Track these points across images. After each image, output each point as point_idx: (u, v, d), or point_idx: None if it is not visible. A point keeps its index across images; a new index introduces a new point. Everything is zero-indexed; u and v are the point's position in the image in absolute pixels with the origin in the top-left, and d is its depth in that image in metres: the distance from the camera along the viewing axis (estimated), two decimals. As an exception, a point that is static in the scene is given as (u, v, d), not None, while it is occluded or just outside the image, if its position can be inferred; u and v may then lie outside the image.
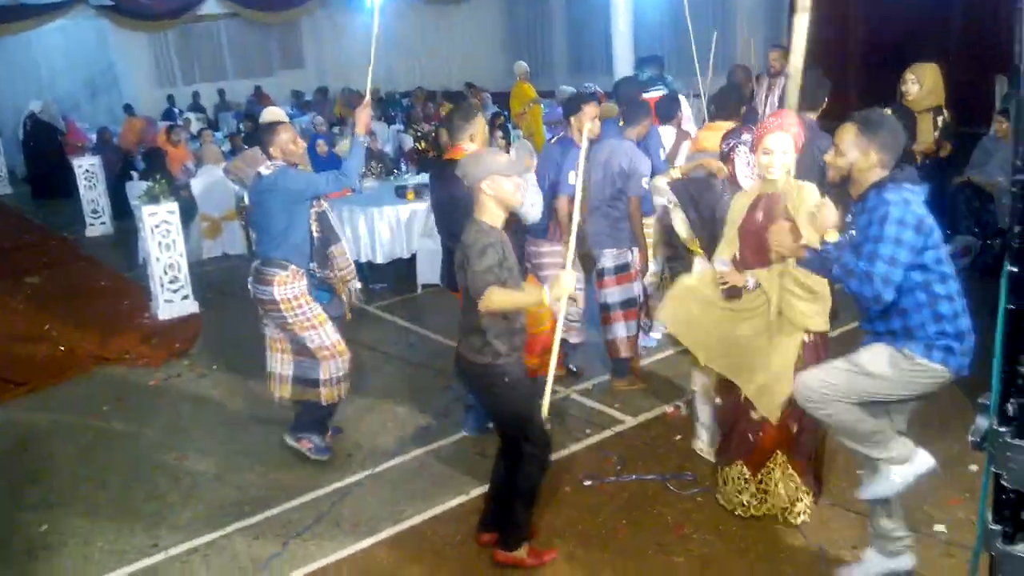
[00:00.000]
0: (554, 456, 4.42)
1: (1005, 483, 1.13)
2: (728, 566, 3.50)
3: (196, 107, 16.92)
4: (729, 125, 4.69)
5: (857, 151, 2.93)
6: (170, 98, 17.13)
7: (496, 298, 3.15)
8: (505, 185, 3.27)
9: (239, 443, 4.90)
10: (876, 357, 2.99)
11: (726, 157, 4.11)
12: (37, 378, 6.05)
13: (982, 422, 1.23)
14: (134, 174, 10.30)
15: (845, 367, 3.05)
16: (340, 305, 4.75)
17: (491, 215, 3.31)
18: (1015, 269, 1.11)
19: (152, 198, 7.15)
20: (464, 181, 3.33)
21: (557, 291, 3.20)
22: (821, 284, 3.48)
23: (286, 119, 6.04)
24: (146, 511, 4.27)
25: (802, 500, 3.74)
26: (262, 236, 4.43)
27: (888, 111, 3.64)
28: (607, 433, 4.71)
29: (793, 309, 3.49)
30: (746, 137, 3.97)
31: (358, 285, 4.92)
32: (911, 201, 2.85)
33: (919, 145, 5.76)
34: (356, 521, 4.01)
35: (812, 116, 4.93)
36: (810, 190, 3.49)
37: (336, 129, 11.96)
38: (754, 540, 3.64)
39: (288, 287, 4.29)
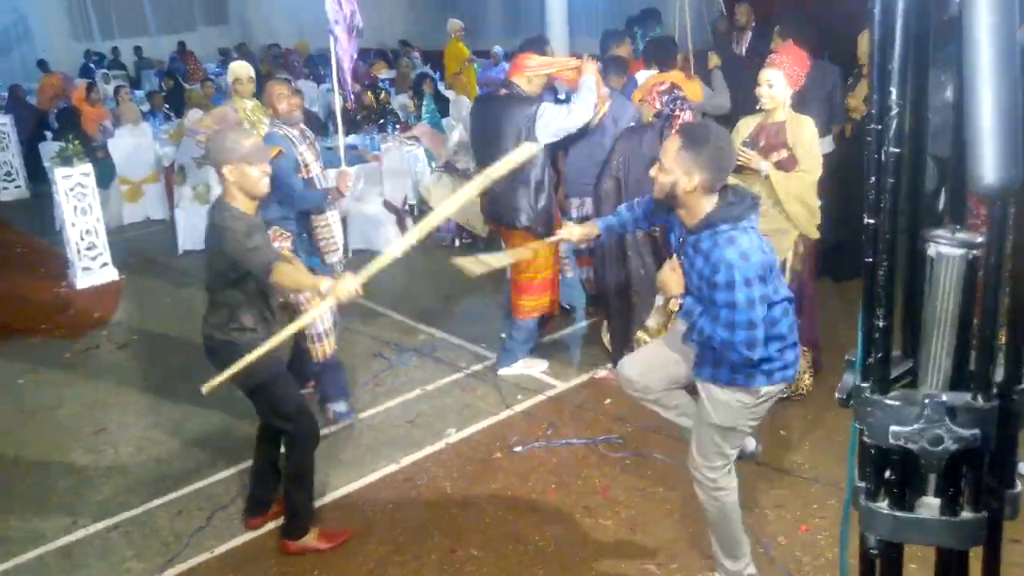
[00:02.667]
0: (486, 423, 4.47)
1: (866, 439, 1.15)
2: (654, 528, 3.55)
3: (116, 64, 16.21)
4: (677, 75, 4.81)
5: (680, 171, 2.63)
6: (87, 53, 16.37)
7: (286, 272, 3.02)
8: (250, 173, 3.08)
9: (159, 416, 4.76)
10: (718, 406, 2.85)
11: (669, 117, 4.33)
12: (-55, 350, 5.79)
13: (848, 379, 1.23)
14: (48, 134, 9.84)
15: (706, 433, 2.91)
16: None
17: (241, 201, 3.14)
18: (871, 221, 1.10)
19: (65, 159, 6.85)
20: (206, 159, 3.25)
21: (340, 289, 2.90)
22: (814, 199, 4.04)
23: (252, 73, 5.88)
24: (63, 487, 4.13)
25: (807, 377, 4.41)
26: None
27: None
28: (539, 398, 4.72)
29: (793, 209, 4.00)
30: (677, 91, 4.35)
31: (335, 259, 4.49)
32: (750, 253, 2.58)
33: (849, 105, 5.80)
34: (343, 465, 3.97)
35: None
36: (808, 124, 4.00)
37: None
38: (680, 502, 3.70)
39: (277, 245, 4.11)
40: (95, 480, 4.17)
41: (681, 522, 3.58)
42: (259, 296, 3.27)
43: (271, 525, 3.69)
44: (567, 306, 5.60)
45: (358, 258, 7.13)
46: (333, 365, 4.49)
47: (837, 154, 5.57)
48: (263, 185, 3.13)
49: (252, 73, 5.88)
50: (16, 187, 10.39)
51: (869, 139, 1.12)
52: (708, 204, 2.68)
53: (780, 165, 4.02)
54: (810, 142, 4.01)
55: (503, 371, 5.01)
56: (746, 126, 4.21)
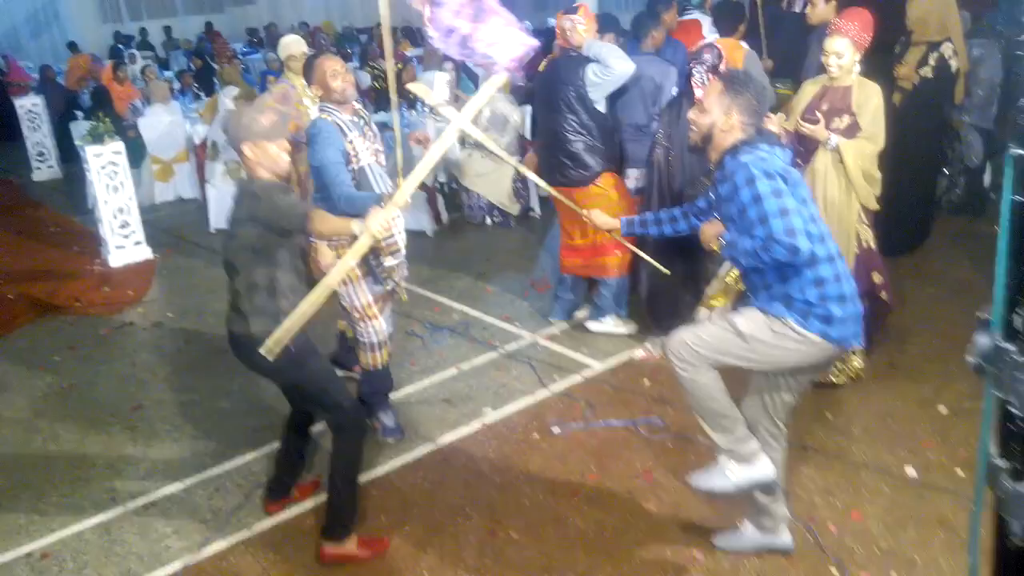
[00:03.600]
0: (522, 403, 4.41)
1: (1014, 410, 0.98)
2: (699, 513, 3.47)
3: (144, 44, 16.24)
4: (729, 42, 4.76)
5: (719, 110, 2.79)
6: (116, 35, 16.41)
7: (323, 217, 2.95)
8: (269, 150, 3.01)
9: (196, 393, 4.75)
10: (750, 320, 2.81)
11: (688, 75, 4.39)
12: (-18, 327, 5.82)
13: (983, 340, 1.04)
14: (78, 114, 9.86)
15: (719, 325, 2.87)
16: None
17: (265, 177, 3.06)
18: (1022, 151, 0.95)
19: (96, 138, 6.84)
20: (227, 139, 3.11)
21: (372, 224, 2.85)
22: (875, 167, 3.99)
23: (306, 48, 5.75)
24: (101, 463, 4.13)
25: (856, 360, 4.28)
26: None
27: None
28: (575, 379, 4.64)
29: (856, 179, 3.95)
30: (706, 57, 4.31)
31: (395, 261, 4.06)
32: (766, 157, 2.71)
33: (898, 73, 5.61)
34: (321, 470, 3.90)
35: None
36: (875, 91, 3.93)
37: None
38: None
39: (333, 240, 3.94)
40: (133, 457, 4.17)
41: (726, 507, 3.48)
42: (293, 272, 3.13)
43: (298, 509, 3.66)
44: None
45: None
46: (383, 375, 4.20)
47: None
48: (283, 161, 3.07)
49: (305, 48, 5.78)
50: (48, 167, 10.45)
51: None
52: (734, 139, 2.81)
53: (842, 132, 3.92)
54: (876, 110, 3.91)
55: (591, 325, 5.16)
56: (810, 90, 4.12)
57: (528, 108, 7.79)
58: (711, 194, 3.01)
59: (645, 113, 4.95)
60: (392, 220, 2.97)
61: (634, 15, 5.52)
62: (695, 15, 6.66)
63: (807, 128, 3.98)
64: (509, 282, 6.15)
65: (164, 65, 14.33)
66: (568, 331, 5.24)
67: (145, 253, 7.03)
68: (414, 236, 6.00)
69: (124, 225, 6.93)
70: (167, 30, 17.14)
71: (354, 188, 3.82)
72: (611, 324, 5.13)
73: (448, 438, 4.14)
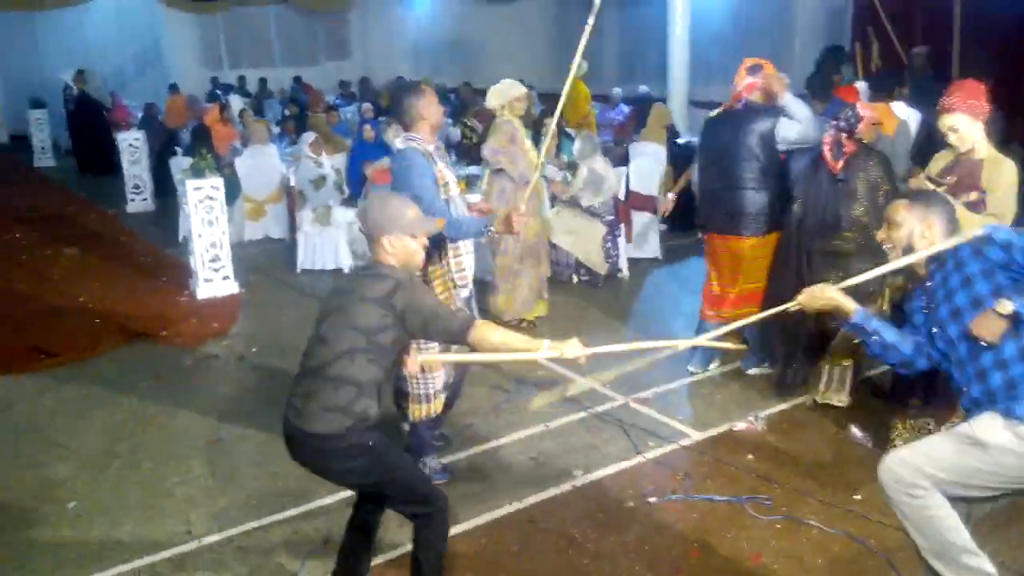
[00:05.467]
0: (615, 467, 4.17)
1: None
2: (815, 602, 3.16)
3: (242, 91, 16.81)
4: (881, 107, 4.97)
5: (916, 220, 2.78)
6: (214, 80, 17.04)
7: (490, 331, 2.72)
8: (410, 245, 2.83)
9: (276, 430, 4.56)
10: (988, 427, 2.44)
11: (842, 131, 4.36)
12: (70, 350, 5.85)
13: None
14: (178, 150, 10.14)
15: (948, 437, 2.54)
16: None
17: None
18: None
19: (197, 172, 6.95)
20: (363, 226, 2.88)
21: (568, 350, 2.80)
22: None
23: (524, 90, 5.83)
24: (179, 495, 4.01)
25: None
26: None
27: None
28: (671, 447, 4.38)
29: None
30: (843, 117, 4.31)
31: (466, 294, 4.02)
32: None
33: None
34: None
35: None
36: (1008, 167, 3.73)
37: (382, 118, 11.74)
38: (842, 573, 3.30)
39: (434, 282, 3.88)
40: (211, 490, 4.04)
41: (846, 599, 3.18)
42: (388, 377, 2.90)
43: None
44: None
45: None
46: (431, 426, 4.07)
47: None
48: (420, 260, 2.91)
49: (525, 90, 5.85)
50: (143, 200, 10.72)
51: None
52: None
53: (970, 207, 3.66)
54: (1006, 188, 3.66)
55: (752, 371, 5.22)
56: (942, 159, 3.94)
57: (624, 170, 7.70)
58: (924, 305, 2.80)
59: None
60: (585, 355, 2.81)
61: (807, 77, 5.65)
62: (858, 84, 6.59)
63: (928, 185, 3.76)
64: (597, 341, 5.92)
65: (259, 112, 14.75)
66: (662, 395, 4.98)
67: (232, 288, 7.05)
68: (481, 285, 5.88)
69: (215, 259, 6.97)
70: (263, 81, 17.75)
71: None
72: (768, 367, 5.20)
73: (535, 497, 3.91)
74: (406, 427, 4.10)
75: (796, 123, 4.63)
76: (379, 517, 3.13)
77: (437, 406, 3.97)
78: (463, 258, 4.01)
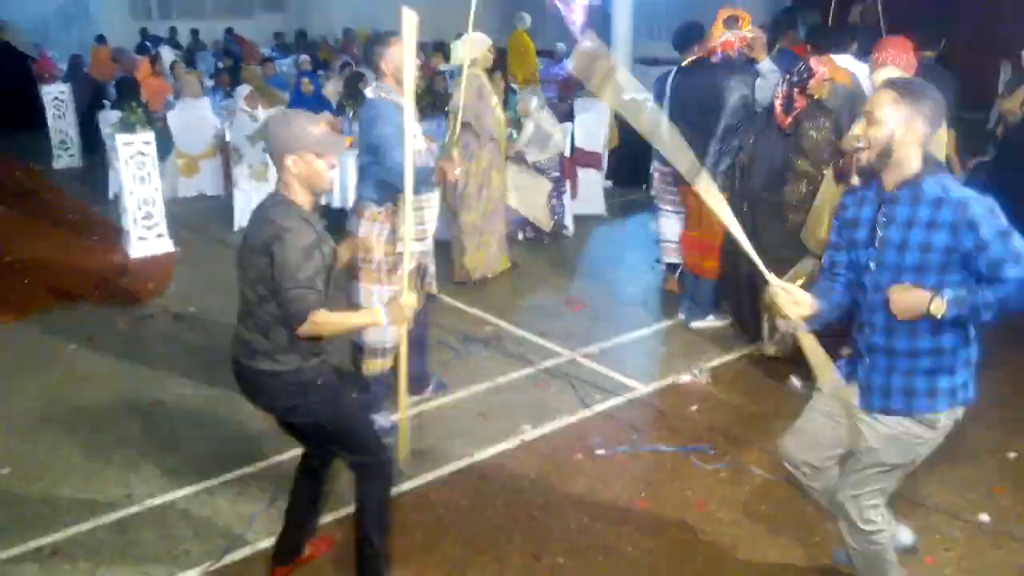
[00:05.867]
0: (563, 421, 4.19)
1: None
2: (761, 549, 3.23)
3: (173, 43, 16.17)
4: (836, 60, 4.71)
5: (898, 121, 2.33)
6: (143, 31, 16.36)
7: (323, 322, 2.58)
8: (315, 165, 2.61)
9: (218, 390, 4.50)
10: (895, 446, 2.52)
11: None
12: (-2, 312, 5.62)
13: None
14: (106, 103, 9.71)
15: (873, 472, 2.58)
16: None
17: (300, 196, 2.65)
18: None
19: (127, 126, 6.68)
20: (266, 145, 2.71)
21: (396, 315, 2.75)
22: None
23: (491, 44, 5.59)
24: (118, 459, 3.90)
25: None
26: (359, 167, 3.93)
27: None
28: (617, 400, 4.42)
29: None
30: (796, 71, 4.33)
31: (421, 248, 4.02)
32: (975, 196, 2.31)
33: (1002, 107, 5.54)
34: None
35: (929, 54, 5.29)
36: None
37: (320, 72, 11.44)
38: (785, 520, 3.38)
39: (375, 225, 3.80)
40: (152, 453, 3.94)
41: (791, 545, 3.26)
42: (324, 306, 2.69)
43: (340, 512, 3.41)
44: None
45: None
46: (384, 382, 4.09)
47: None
48: (328, 181, 2.72)
49: (491, 44, 5.63)
50: (70, 155, 10.28)
51: None
52: (917, 162, 2.37)
53: None
54: (937, 139, 3.73)
55: (695, 324, 5.30)
56: None
57: (568, 126, 7.64)
58: (865, 247, 2.49)
59: None
60: (423, 214, 2.77)
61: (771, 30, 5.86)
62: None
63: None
64: (543, 298, 5.95)
65: (191, 65, 14.22)
66: (607, 350, 5.02)
67: (166, 246, 6.83)
68: (444, 246, 5.81)
69: (148, 216, 6.73)
70: (195, 32, 17.10)
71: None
72: (712, 320, 5.30)
73: (484, 453, 3.92)
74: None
75: (768, 84, 4.72)
76: (328, 469, 3.10)
77: (390, 360, 3.97)
78: (425, 212, 3.98)
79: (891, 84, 2.41)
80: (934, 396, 2.45)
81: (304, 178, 2.63)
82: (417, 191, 3.73)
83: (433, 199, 4.03)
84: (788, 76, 4.34)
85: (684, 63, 5.10)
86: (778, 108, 4.32)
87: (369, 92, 3.81)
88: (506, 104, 7.64)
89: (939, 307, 2.28)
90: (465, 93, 5.73)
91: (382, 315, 2.76)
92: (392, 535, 3.08)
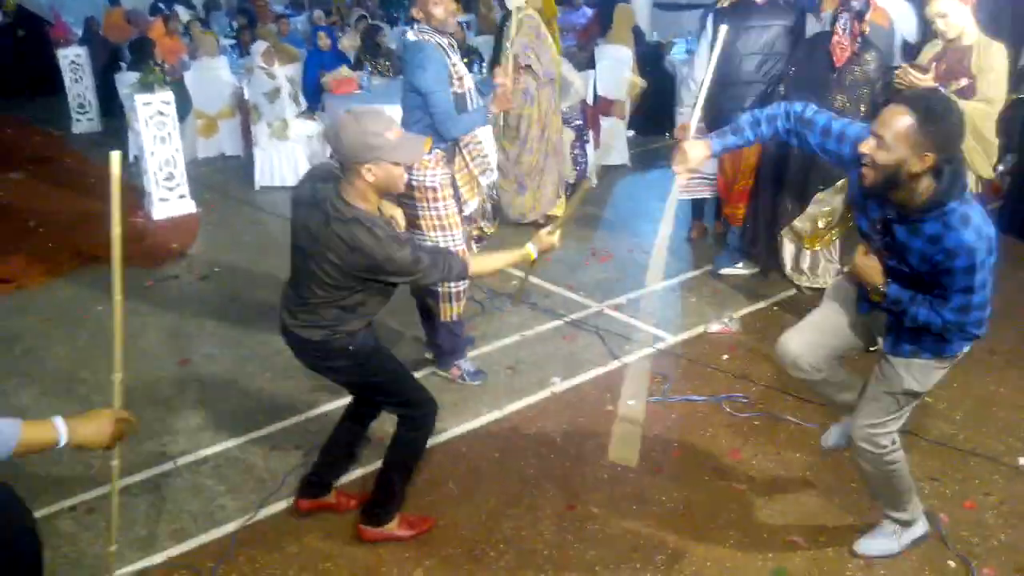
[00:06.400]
0: (593, 373, 4.16)
1: None
2: (795, 496, 3.20)
3: (186, 3, 15.99)
4: None
5: (909, 150, 2.17)
6: (157, -9, 16.18)
7: (480, 270, 2.88)
8: (394, 172, 2.51)
9: (247, 349, 4.53)
10: (922, 375, 2.54)
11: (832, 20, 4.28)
12: (23, 276, 5.63)
13: None
14: (123, 66, 9.65)
15: (883, 398, 2.60)
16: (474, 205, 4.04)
17: (364, 200, 2.55)
18: None
19: (146, 86, 6.63)
20: (335, 151, 2.56)
21: (542, 243, 2.93)
22: (992, 132, 3.68)
23: None
24: (150, 417, 3.91)
25: None
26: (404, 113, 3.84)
27: None
28: (647, 350, 4.37)
29: (967, 144, 3.55)
30: (854, 4, 4.08)
31: (493, 178, 4.08)
32: (983, 228, 2.25)
33: None
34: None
35: None
36: (998, 51, 3.59)
37: (336, 26, 11.29)
38: (821, 469, 3.34)
39: (427, 172, 3.72)
40: (183, 412, 3.96)
41: (825, 492, 3.22)
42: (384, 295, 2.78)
43: (372, 466, 3.41)
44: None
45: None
46: (460, 324, 4.10)
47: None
48: (404, 181, 2.61)
49: None
50: (89, 119, 10.26)
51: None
52: (930, 184, 2.25)
53: (959, 94, 3.60)
54: (998, 71, 3.58)
55: (724, 271, 5.27)
56: (932, 49, 3.85)
57: (590, 73, 7.49)
58: (868, 227, 2.47)
59: None
60: (482, 147, 2.78)
61: None
62: None
63: (913, 76, 3.66)
64: (569, 251, 5.87)
65: (206, 25, 14.09)
66: (635, 301, 4.96)
67: (189, 207, 6.82)
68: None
69: (169, 177, 6.71)
70: (208, -9, 16.92)
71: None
72: (741, 267, 5.25)
73: (515, 406, 3.90)
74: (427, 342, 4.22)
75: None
76: (372, 420, 3.19)
77: (463, 304, 4.02)
78: (483, 144, 3.94)
79: (908, 102, 2.22)
80: (940, 343, 2.47)
81: (380, 186, 2.54)
82: (472, 126, 3.79)
83: (487, 130, 3.99)
84: (842, 9, 4.18)
85: (723, 5, 4.84)
86: (838, 43, 4.15)
87: (411, 35, 3.73)
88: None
89: (878, 296, 2.43)
90: (525, 35, 5.76)
91: (532, 249, 2.91)
92: (416, 483, 3.14)
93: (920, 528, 2.85)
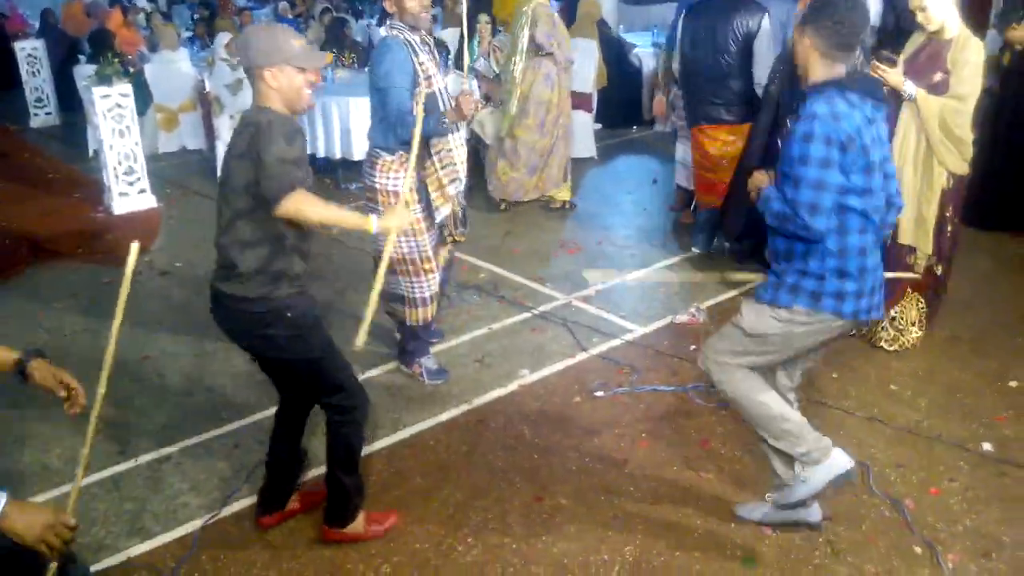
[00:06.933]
0: (561, 365, 4.14)
1: None
2: (764, 486, 3.19)
3: (147, -4, 15.75)
4: None
5: (800, 33, 2.59)
6: (117, -16, 15.88)
7: (305, 203, 2.42)
8: (295, 79, 2.49)
9: (209, 345, 4.44)
10: (755, 315, 2.70)
11: None
12: (-20, 273, 5.50)
13: None
14: (81, 58, 9.46)
15: (729, 328, 2.79)
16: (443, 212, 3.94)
17: (279, 109, 2.51)
18: None
19: (103, 79, 6.48)
20: (242, 61, 2.54)
21: (387, 221, 2.57)
22: (964, 129, 3.68)
23: None
24: (110, 416, 3.80)
25: (915, 330, 4.10)
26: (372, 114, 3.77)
27: None
28: (614, 342, 4.37)
29: (936, 138, 3.68)
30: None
31: (461, 187, 3.93)
32: (841, 115, 2.41)
33: (1009, 36, 5.40)
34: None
35: None
36: (975, 46, 3.63)
37: (300, 19, 11.16)
38: (787, 456, 3.35)
39: (391, 176, 3.66)
40: (145, 408, 3.88)
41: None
42: (295, 236, 2.60)
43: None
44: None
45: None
46: (426, 328, 4.02)
47: (991, 88, 5.24)
48: (306, 99, 2.55)
49: None
50: (47, 113, 10.06)
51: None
52: (824, 71, 2.51)
53: (934, 89, 3.61)
54: (972, 66, 3.59)
55: (696, 249, 5.53)
56: (912, 43, 3.85)
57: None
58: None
59: None
60: (452, 155, 2.67)
61: None
62: None
63: (880, 70, 3.67)
64: (537, 244, 5.86)
65: (167, 18, 13.88)
66: (603, 293, 4.96)
67: (150, 202, 6.69)
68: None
69: (129, 172, 6.58)
70: (169, -17, 16.69)
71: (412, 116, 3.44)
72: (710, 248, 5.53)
73: (483, 399, 3.87)
74: (397, 334, 4.14)
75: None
76: (303, 418, 3.02)
77: (433, 309, 3.95)
78: (453, 152, 3.83)
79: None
80: (795, 293, 2.61)
81: (284, 93, 2.50)
82: (440, 134, 3.65)
83: (459, 138, 3.85)
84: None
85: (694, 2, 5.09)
86: None
87: (382, 30, 3.67)
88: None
89: (754, 195, 2.66)
90: (545, 23, 5.92)
91: (373, 223, 2.54)
92: (364, 472, 3.01)
93: (837, 465, 2.72)
